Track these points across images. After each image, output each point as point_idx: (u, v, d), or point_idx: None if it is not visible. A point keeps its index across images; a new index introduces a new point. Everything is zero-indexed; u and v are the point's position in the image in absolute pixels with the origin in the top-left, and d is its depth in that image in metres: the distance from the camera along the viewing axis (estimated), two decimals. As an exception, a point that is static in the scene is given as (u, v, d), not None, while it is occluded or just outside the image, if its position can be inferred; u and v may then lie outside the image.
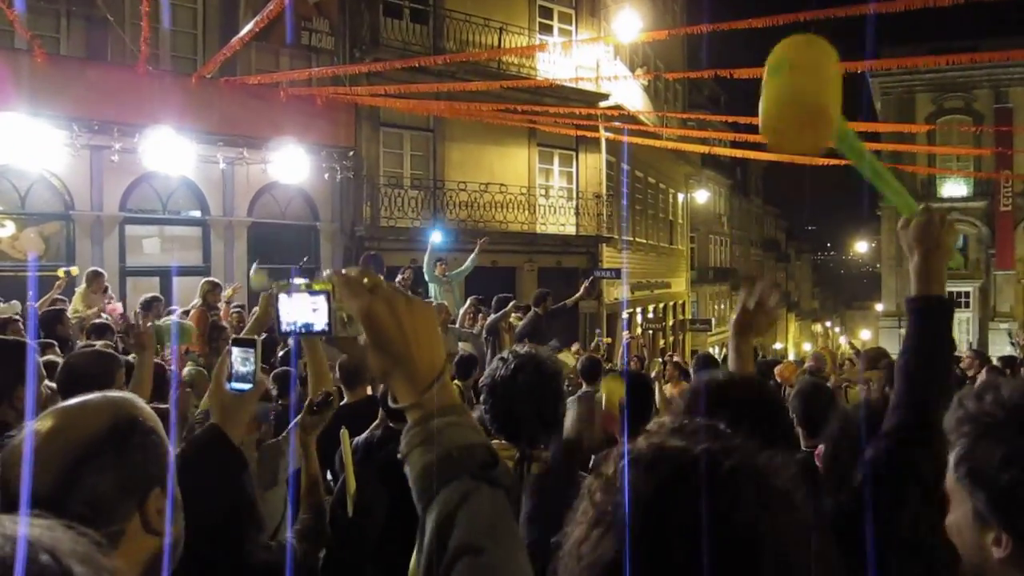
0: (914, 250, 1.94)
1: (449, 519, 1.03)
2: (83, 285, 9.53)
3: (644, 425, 2.57)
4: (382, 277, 1.16)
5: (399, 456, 1.15)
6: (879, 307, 40.97)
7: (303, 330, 1.26)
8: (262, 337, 2.53)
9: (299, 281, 1.27)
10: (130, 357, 4.37)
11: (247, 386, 2.11)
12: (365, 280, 1.15)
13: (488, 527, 1.04)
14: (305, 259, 13.61)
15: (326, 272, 1.22)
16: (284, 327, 1.29)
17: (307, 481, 2.91)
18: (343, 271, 1.18)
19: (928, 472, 1.81)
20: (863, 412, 2.26)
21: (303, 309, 1.25)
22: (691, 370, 9.71)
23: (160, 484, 1.40)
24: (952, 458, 1.24)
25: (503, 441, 2.67)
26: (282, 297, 1.27)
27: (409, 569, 1.92)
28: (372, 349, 1.14)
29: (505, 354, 2.72)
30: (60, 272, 9.49)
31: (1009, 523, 1.16)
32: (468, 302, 10.97)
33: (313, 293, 1.24)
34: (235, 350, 2.15)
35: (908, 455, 1.79)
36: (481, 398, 2.71)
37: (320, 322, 1.24)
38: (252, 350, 2.15)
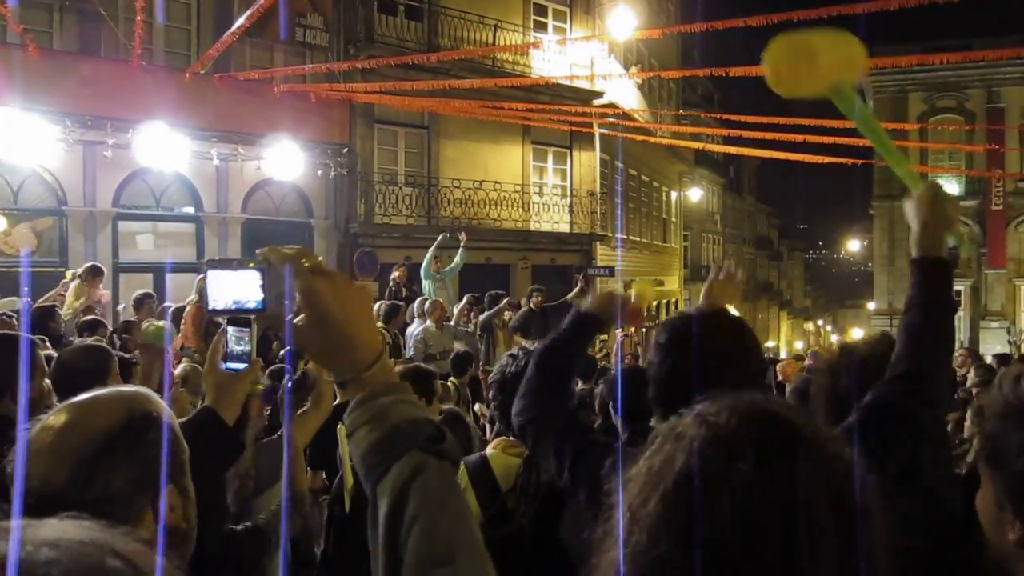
0: (917, 220, 2.03)
1: (403, 493, 1.04)
2: (78, 280, 9.47)
3: (646, 420, 2.59)
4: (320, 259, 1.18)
5: (345, 435, 1.15)
6: (871, 305, 41.13)
7: (235, 307, 1.24)
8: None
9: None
10: (133, 354, 4.36)
11: (242, 365, 2.10)
12: (304, 259, 1.15)
13: (440, 500, 1.04)
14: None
15: (258, 250, 1.21)
16: (213, 304, 1.26)
17: (291, 466, 2.88)
18: (283, 248, 1.18)
19: (926, 420, 1.86)
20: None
21: (237, 286, 1.23)
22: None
23: (173, 480, 1.39)
24: (980, 439, 1.26)
25: (511, 438, 2.67)
26: (213, 274, 1.25)
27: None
28: (314, 327, 1.13)
29: (515, 350, 2.73)
30: (68, 274, 9.50)
31: (1019, 509, 1.18)
32: (464, 300, 10.98)
33: (247, 269, 1.22)
34: (230, 329, 2.12)
35: (905, 402, 1.85)
36: (490, 395, 2.72)
37: (254, 299, 1.22)
38: (248, 329, 2.12)
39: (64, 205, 13.09)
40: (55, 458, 1.28)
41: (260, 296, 1.21)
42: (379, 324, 9.35)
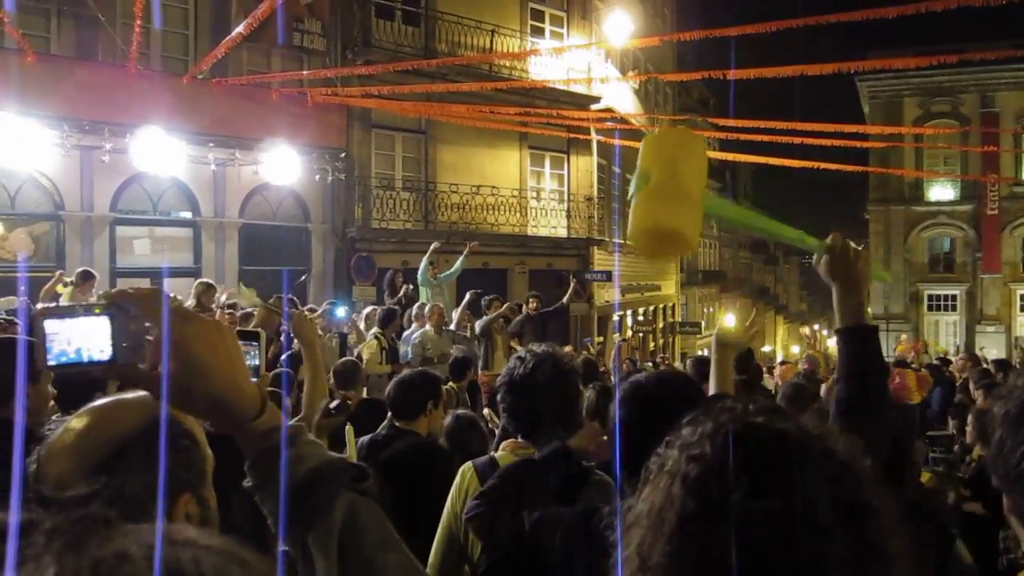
0: (833, 287, 2.00)
1: (347, 538, 1.03)
2: (71, 286, 9.45)
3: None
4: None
5: (249, 490, 1.10)
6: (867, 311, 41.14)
7: (77, 360, 1.07)
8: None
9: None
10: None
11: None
12: (157, 301, 1.03)
13: (385, 539, 1.05)
14: (299, 280, 13.55)
15: (100, 292, 1.11)
16: (52, 358, 1.07)
17: None
18: (130, 289, 1.06)
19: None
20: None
21: (80, 335, 1.06)
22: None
23: (191, 489, 1.37)
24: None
25: (520, 440, 2.68)
26: (50, 323, 1.07)
27: None
28: (189, 379, 1.02)
29: (522, 353, 2.74)
30: (56, 274, 9.50)
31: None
32: (468, 296, 10.95)
33: (92, 316, 1.06)
34: (239, 343, 2.13)
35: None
36: (498, 397, 2.73)
37: (101, 349, 1.06)
38: (256, 344, 2.13)
39: (61, 210, 13.07)
40: (72, 459, 1.28)
41: (108, 346, 1.05)
42: (375, 329, 9.35)
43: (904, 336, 28.03)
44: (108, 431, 1.33)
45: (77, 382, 3.27)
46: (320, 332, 7.38)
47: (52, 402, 3.14)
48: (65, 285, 9.34)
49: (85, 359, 1.06)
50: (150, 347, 1.03)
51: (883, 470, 1.59)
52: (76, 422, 1.34)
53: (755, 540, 0.89)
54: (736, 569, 0.88)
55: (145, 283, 13.11)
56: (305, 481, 1.04)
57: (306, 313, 5.52)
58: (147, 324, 1.04)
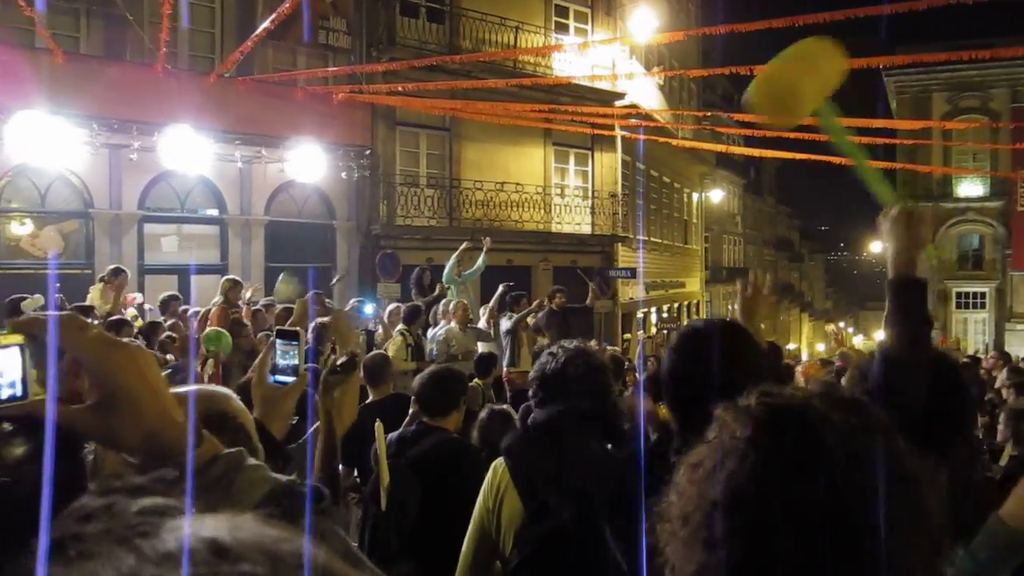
0: (892, 242, 2.11)
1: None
2: (101, 283, 9.56)
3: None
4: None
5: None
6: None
7: None
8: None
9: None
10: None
11: (290, 379, 2.09)
12: (81, 326, 0.93)
13: (347, 553, 1.01)
14: (332, 280, 13.60)
15: (11, 319, 0.95)
16: None
17: (323, 447, 2.85)
18: (41, 315, 0.94)
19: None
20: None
21: None
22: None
23: None
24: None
25: None
26: None
27: None
28: (118, 412, 0.93)
29: (554, 348, 2.74)
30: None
31: None
32: (500, 289, 10.91)
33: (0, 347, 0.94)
34: (278, 342, 2.13)
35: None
36: (530, 392, 2.72)
37: (11, 384, 0.94)
38: (296, 343, 2.12)
39: (90, 208, 13.22)
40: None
41: (18, 380, 0.93)
42: (400, 326, 9.38)
43: (932, 334, 27.71)
44: None
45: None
46: (347, 328, 7.40)
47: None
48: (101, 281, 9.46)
49: None
50: (65, 378, 0.93)
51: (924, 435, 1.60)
52: None
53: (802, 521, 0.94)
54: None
55: (172, 281, 13.24)
56: (262, 506, 0.98)
57: (344, 311, 5.56)
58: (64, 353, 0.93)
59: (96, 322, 7.66)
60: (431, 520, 3.32)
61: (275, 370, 2.11)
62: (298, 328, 2.26)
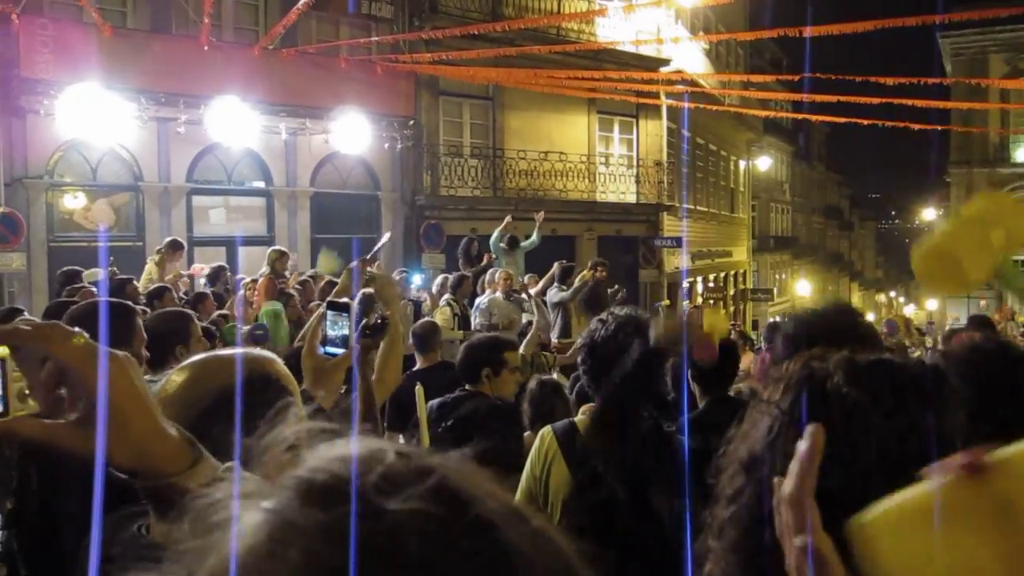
0: None
1: None
2: (158, 255, 9.71)
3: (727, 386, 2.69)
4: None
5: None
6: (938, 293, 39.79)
7: None
8: None
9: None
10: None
11: (339, 350, 2.09)
12: (67, 337, 0.87)
13: None
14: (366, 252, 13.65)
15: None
16: None
17: (362, 402, 2.86)
18: (23, 326, 0.88)
19: None
20: None
21: None
22: (762, 339, 9.51)
23: None
24: None
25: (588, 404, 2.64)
26: None
27: None
28: (113, 426, 0.87)
29: (604, 315, 2.69)
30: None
31: None
32: (556, 268, 10.81)
33: None
34: (329, 314, 2.12)
35: None
36: (579, 359, 2.70)
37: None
38: (346, 314, 2.11)
39: (140, 181, 13.41)
40: (174, 409, 1.31)
41: None
42: (447, 295, 9.41)
43: (983, 303, 27.06)
44: (208, 383, 1.38)
45: (158, 337, 3.34)
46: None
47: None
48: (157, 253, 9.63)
49: None
50: (37, 390, 0.88)
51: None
52: (178, 375, 1.40)
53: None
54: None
55: (220, 252, 13.41)
56: None
57: (392, 276, 5.58)
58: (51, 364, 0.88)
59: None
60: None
61: (325, 341, 2.11)
62: (348, 300, 2.25)
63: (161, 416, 0.94)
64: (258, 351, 1.53)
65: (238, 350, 1.47)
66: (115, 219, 13.24)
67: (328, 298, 2.69)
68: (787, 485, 0.84)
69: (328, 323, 2.11)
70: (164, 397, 1.34)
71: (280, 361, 1.49)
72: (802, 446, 0.85)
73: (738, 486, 1.08)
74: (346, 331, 2.10)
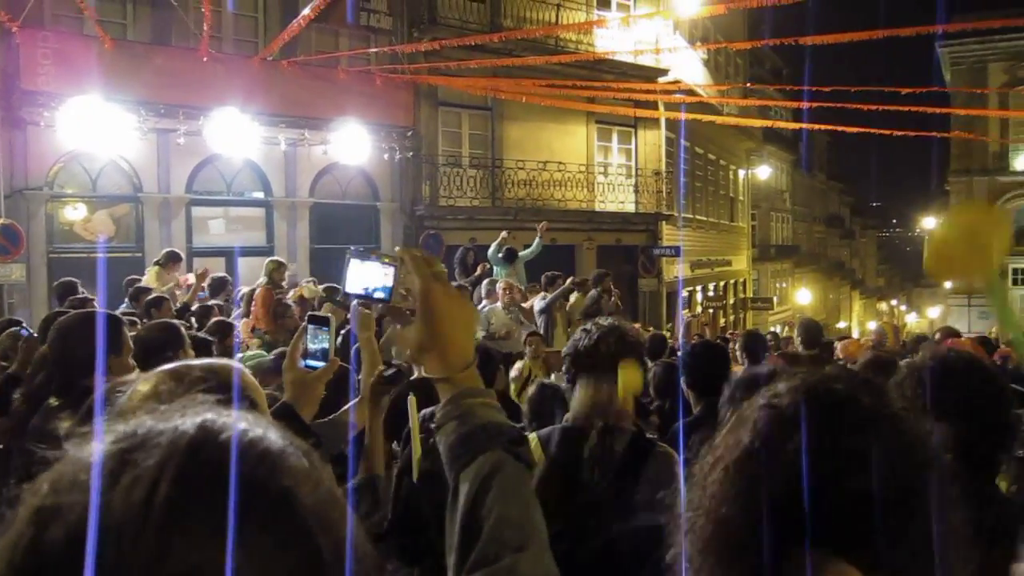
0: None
1: (485, 484, 1.13)
2: (156, 266, 9.75)
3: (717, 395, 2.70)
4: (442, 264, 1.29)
5: (433, 427, 1.24)
6: (948, 284, 39.78)
7: (364, 293, 1.36)
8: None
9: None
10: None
11: (320, 363, 2.13)
12: (431, 265, 1.26)
13: (517, 495, 1.14)
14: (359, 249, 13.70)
15: (397, 248, 1.32)
16: (349, 288, 1.38)
17: (371, 449, 2.89)
18: (414, 251, 1.29)
19: None
20: None
21: (371, 276, 1.35)
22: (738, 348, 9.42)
23: None
24: None
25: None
26: (354, 262, 1.36)
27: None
28: (420, 323, 1.24)
29: (588, 325, 2.72)
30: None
31: None
32: (566, 283, 10.84)
33: (383, 264, 1.34)
34: (310, 327, 2.17)
35: None
36: (563, 368, 2.73)
37: (383, 290, 1.34)
38: (327, 328, 2.16)
39: (140, 192, 13.47)
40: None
41: (389, 288, 1.34)
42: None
43: (987, 324, 27.01)
44: (172, 393, 1.38)
45: (149, 349, 3.39)
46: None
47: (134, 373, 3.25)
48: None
49: (369, 293, 1.37)
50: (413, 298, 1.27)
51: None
52: (141, 385, 1.41)
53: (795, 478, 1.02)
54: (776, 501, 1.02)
55: (220, 263, 13.45)
56: (470, 432, 1.18)
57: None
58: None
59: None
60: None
61: (306, 354, 2.15)
62: (329, 314, 2.30)
63: (460, 334, 1.27)
64: (222, 360, 1.56)
65: (204, 360, 1.50)
66: (115, 230, 13.29)
67: (310, 312, 2.75)
68: None
69: (309, 336, 2.15)
70: (129, 409, 1.35)
71: (247, 371, 1.52)
72: None
73: (713, 491, 1.12)
74: (326, 344, 2.14)
